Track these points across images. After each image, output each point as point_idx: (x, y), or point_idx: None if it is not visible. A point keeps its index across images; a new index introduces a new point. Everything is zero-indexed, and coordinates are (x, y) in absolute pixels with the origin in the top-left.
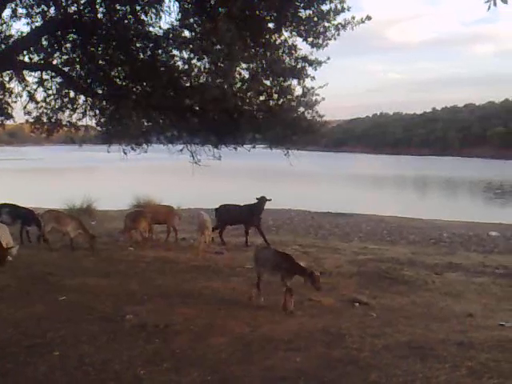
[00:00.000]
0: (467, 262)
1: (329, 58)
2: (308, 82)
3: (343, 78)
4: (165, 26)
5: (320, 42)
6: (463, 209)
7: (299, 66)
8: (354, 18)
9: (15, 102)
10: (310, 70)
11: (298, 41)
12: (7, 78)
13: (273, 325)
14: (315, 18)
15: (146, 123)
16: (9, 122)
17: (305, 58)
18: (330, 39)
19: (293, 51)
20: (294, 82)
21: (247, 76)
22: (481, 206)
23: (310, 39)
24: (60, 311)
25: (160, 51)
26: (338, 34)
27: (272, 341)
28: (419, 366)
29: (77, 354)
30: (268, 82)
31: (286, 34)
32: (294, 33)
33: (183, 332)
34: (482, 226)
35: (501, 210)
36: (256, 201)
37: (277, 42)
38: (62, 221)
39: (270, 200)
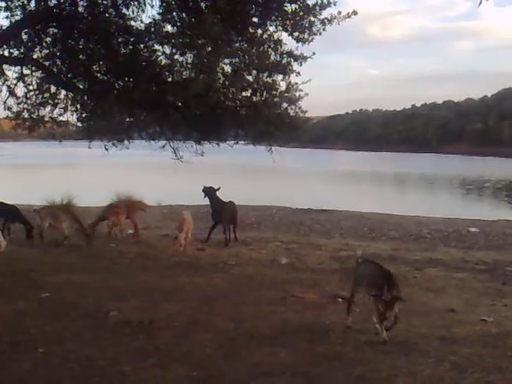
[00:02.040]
0: (447, 258)
1: (314, 53)
2: (292, 77)
3: (323, 74)
4: (146, 21)
5: (305, 36)
6: (440, 205)
7: (284, 61)
8: (340, 12)
9: None
10: (295, 66)
11: (284, 35)
12: None
13: (256, 320)
14: (301, 13)
15: (127, 119)
16: None
17: (290, 53)
18: (315, 34)
19: (278, 46)
20: (279, 77)
21: (230, 71)
22: (456, 201)
23: (296, 34)
24: (43, 308)
25: (142, 46)
26: (324, 29)
27: (256, 336)
28: (403, 361)
29: (61, 350)
30: (251, 78)
31: (271, 29)
32: (279, 27)
33: (167, 328)
34: (461, 222)
35: (475, 206)
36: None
37: (262, 37)
38: (58, 217)
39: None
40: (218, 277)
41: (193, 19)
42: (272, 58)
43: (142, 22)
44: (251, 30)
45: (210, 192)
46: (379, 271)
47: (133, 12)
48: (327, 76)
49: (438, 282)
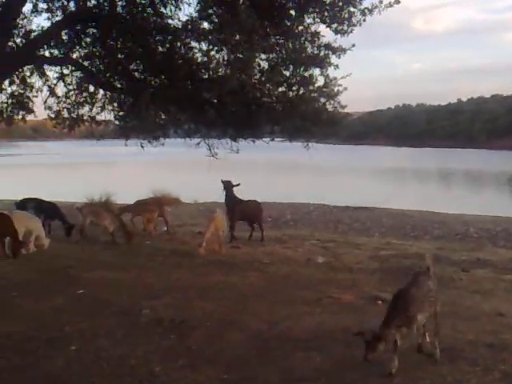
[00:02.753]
0: (496, 258)
1: (354, 45)
2: (331, 72)
3: (364, 69)
4: (183, 18)
5: (345, 28)
6: (487, 202)
7: (322, 53)
8: (381, 1)
9: (36, 96)
10: (333, 59)
11: (321, 27)
12: (28, 73)
13: (291, 322)
14: (340, 3)
15: (163, 116)
16: (32, 118)
17: (328, 46)
18: (354, 25)
19: (315, 38)
20: (316, 71)
21: (266, 67)
22: (505, 199)
23: (334, 25)
24: (79, 305)
25: (178, 44)
26: (364, 20)
27: (290, 339)
28: (448, 369)
29: (94, 348)
30: (288, 73)
31: (308, 21)
32: (316, 19)
33: (199, 327)
34: (511, 221)
35: None
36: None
37: (299, 29)
38: (99, 215)
39: (237, 185)
40: (253, 275)
41: (229, 15)
42: (309, 50)
43: (179, 20)
44: (287, 23)
45: (227, 186)
46: (399, 292)
47: (170, 10)
48: (370, 70)
49: (485, 284)
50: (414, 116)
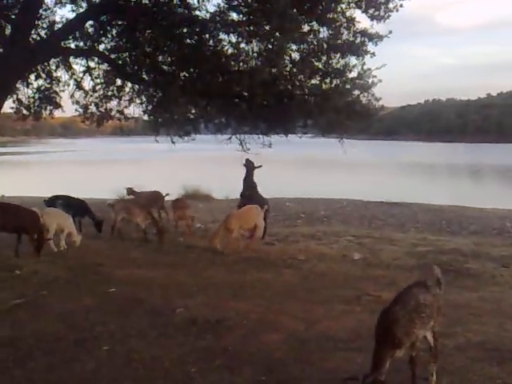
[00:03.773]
0: None
1: (391, 32)
2: (366, 60)
3: (392, 64)
4: (211, 9)
5: (381, 13)
6: None
7: (358, 40)
8: None
9: (63, 91)
10: (369, 46)
11: (357, 13)
12: (54, 67)
13: (330, 321)
14: None
15: (193, 110)
16: (60, 113)
17: (364, 32)
18: (391, 11)
19: (351, 24)
20: (352, 60)
21: (298, 58)
22: None
23: (371, 11)
24: (109, 304)
25: (207, 36)
26: (401, 5)
27: (330, 339)
28: (496, 371)
29: (125, 349)
30: (320, 64)
31: (342, 6)
32: (352, 4)
33: (235, 327)
34: None
35: None
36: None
37: (333, 15)
38: (132, 211)
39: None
40: (288, 273)
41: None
42: (344, 37)
43: (207, 11)
44: (321, 8)
45: (248, 166)
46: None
47: (198, 1)
48: (397, 65)
49: None
50: (445, 111)
